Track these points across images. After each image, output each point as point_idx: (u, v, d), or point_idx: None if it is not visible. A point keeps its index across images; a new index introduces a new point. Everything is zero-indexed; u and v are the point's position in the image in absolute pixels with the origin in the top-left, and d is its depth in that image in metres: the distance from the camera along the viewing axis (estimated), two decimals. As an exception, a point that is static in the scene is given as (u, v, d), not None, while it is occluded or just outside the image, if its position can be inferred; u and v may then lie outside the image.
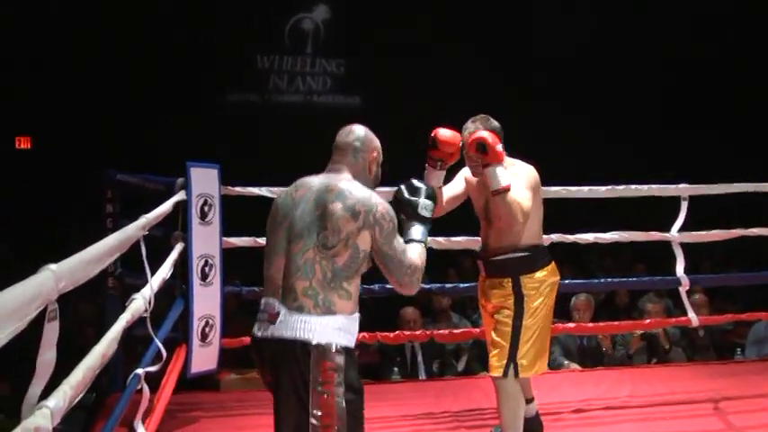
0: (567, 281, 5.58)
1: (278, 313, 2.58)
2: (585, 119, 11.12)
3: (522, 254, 3.67)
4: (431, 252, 5.44)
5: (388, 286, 5.08)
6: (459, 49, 11.59)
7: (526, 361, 3.60)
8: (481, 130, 3.58)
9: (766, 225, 5.53)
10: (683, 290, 5.36)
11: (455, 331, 5.44)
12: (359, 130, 2.89)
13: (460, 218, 5.56)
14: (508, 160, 3.64)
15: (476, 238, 5.02)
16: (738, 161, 5.95)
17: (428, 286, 5.34)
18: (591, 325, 5.63)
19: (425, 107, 10.77)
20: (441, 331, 5.41)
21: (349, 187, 2.67)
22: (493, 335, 3.69)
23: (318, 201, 2.65)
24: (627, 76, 11.60)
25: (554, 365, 5.76)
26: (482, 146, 3.48)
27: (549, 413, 4.45)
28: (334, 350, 2.53)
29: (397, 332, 5.22)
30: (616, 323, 5.70)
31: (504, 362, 3.60)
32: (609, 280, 6.24)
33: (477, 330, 5.30)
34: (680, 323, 5.64)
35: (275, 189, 4.75)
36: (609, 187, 5.25)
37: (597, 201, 5.31)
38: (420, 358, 5.98)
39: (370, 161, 2.87)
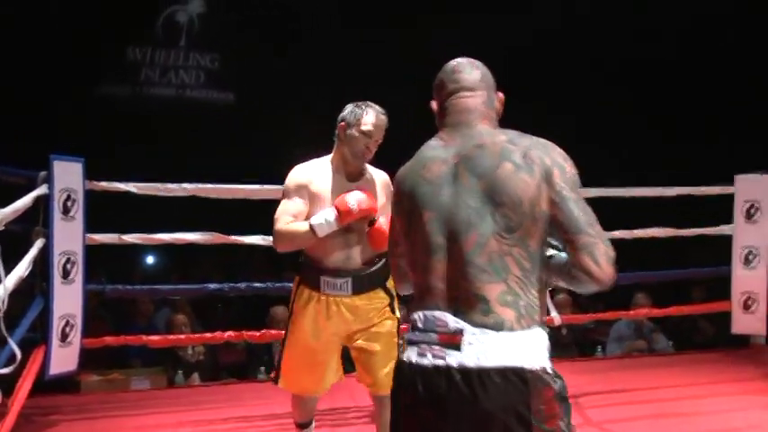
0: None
1: (460, 332, 1.85)
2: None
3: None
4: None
5: (255, 285, 5.11)
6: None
7: None
8: (383, 120, 3.22)
9: (627, 228, 5.72)
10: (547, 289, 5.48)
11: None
12: (478, 64, 2.15)
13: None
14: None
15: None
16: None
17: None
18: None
19: (301, 105, 10.77)
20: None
21: (504, 137, 1.97)
22: (379, 347, 3.27)
23: (475, 170, 1.92)
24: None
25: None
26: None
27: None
28: (552, 375, 1.86)
29: (263, 331, 5.17)
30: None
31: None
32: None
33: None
34: (543, 322, 5.77)
35: (142, 185, 4.66)
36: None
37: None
38: (288, 357, 5.94)
39: (500, 102, 2.15)
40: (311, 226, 3.11)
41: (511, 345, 1.82)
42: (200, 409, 4.70)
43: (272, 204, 3.32)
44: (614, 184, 5.79)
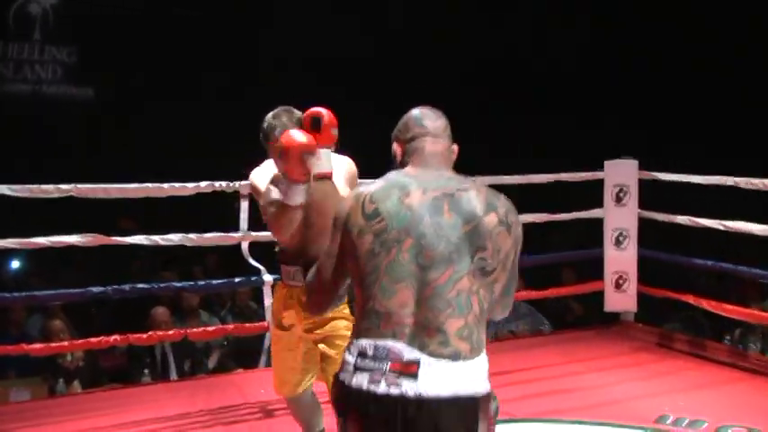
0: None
1: (416, 363, 1.95)
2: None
3: None
4: (183, 248, 5.33)
5: (139, 286, 4.99)
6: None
7: None
8: (290, 126, 2.96)
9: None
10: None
11: (208, 329, 5.33)
12: (440, 113, 2.31)
13: (211, 214, 5.50)
14: None
15: (227, 234, 5.00)
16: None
17: (178, 284, 5.41)
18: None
19: (165, 101, 10.57)
20: (194, 330, 5.27)
21: (487, 191, 2.14)
22: (334, 352, 3.05)
23: (460, 210, 2.06)
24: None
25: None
26: (317, 121, 2.86)
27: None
28: (492, 395, 2.03)
29: (150, 333, 5.07)
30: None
31: None
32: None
33: (230, 327, 5.49)
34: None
35: (16, 187, 4.45)
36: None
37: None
38: (171, 358, 5.83)
39: (455, 153, 2.33)
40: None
41: (463, 373, 1.95)
42: (84, 418, 4.55)
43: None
44: (486, 173, 5.88)
